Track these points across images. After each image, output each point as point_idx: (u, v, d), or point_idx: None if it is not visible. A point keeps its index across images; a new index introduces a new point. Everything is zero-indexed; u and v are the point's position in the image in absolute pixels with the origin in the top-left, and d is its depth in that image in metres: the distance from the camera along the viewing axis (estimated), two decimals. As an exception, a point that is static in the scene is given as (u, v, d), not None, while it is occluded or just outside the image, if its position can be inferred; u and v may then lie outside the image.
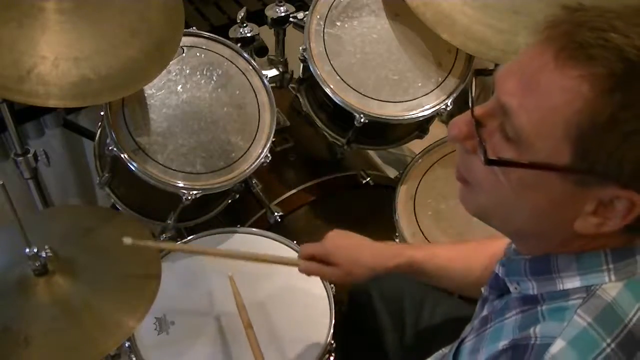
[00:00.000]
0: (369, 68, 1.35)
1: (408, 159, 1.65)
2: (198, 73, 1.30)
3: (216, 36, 1.34)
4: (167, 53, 1.13)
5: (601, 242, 0.63)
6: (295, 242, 1.29)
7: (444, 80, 1.37)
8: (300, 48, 1.34)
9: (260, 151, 1.29)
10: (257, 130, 1.31)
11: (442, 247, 1.07)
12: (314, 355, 1.12)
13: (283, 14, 1.52)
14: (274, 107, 1.33)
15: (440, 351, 0.94)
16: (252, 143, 1.30)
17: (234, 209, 1.43)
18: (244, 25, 1.47)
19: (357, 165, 1.60)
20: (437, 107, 1.35)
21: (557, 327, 0.60)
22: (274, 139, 1.31)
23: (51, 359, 0.93)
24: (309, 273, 1.06)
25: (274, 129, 1.31)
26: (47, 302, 0.97)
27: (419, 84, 1.36)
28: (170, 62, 1.21)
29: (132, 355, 1.10)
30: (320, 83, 1.32)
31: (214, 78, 1.31)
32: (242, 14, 1.46)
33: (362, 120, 1.31)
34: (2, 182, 0.84)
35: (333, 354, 1.14)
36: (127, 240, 0.98)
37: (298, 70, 1.47)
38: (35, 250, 0.94)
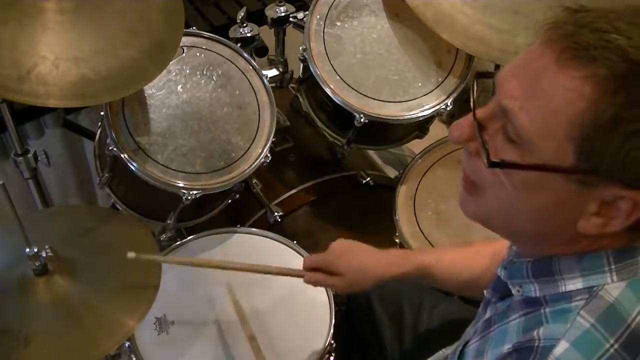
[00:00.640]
0: (369, 68, 1.35)
1: (408, 159, 1.65)
2: (198, 73, 1.30)
3: (216, 36, 1.34)
4: (167, 53, 1.13)
5: (603, 243, 0.63)
6: (295, 242, 1.29)
7: (444, 80, 1.37)
8: (300, 48, 1.34)
9: (260, 151, 1.29)
10: (257, 130, 1.31)
11: (446, 251, 1.07)
12: (314, 356, 1.12)
13: (283, 14, 1.52)
14: (274, 107, 1.33)
15: (440, 352, 0.94)
16: (252, 143, 1.30)
17: (234, 209, 1.43)
18: (244, 25, 1.47)
19: (357, 165, 1.60)
20: (437, 107, 1.35)
21: (561, 328, 0.60)
22: (274, 139, 1.31)
23: (51, 359, 0.93)
24: (314, 284, 1.06)
25: (274, 129, 1.31)
26: (47, 302, 0.97)
27: (419, 84, 1.36)
28: (170, 62, 1.21)
29: (132, 355, 1.10)
30: (320, 83, 1.32)
31: (214, 78, 1.31)
32: (242, 14, 1.46)
33: (362, 120, 1.31)
34: (2, 182, 0.84)
35: (333, 354, 1.14)
36: (131, 255, 0.97)
37: (298, 70, 1.47)
38: (35, 250, 0.94)
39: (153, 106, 1.25)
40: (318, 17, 1.36)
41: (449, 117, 2.05)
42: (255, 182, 1.48)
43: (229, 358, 1.12)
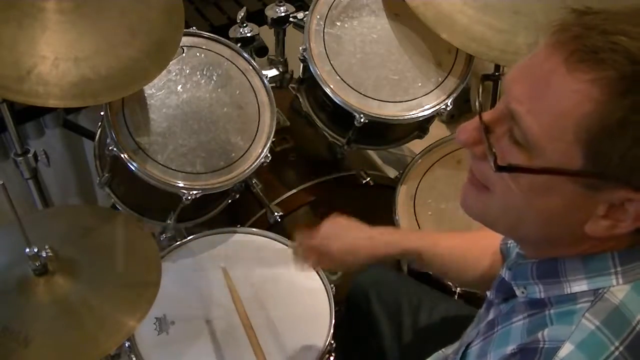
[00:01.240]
0: (369, 68, 1.35)
1: (408, 159, 1.64)
2: (198, 73, 1.30)
3: (216, 36, 1.34)
4: (167, 53, 1.13)
5: (609, 245, 0.62)
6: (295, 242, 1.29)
7: (443, 80, 1.37)
8: (300, 48, 1.34)
9: (260, 151, 1.29)
10: (257, 130, 1.31)
11: (443, 236, 1.07)
12: (314, 356, 1.12)
13: (283, 14, 1.52)
14: (274, 107, 1.33)
15: (439, 352, 0.94)
16: (252, 143, 1.30)
17: (234, 209, 1.43)
18: (244, 25, 1.47)
19: (357, 165, 1.60)
20: (437, 107, 1.35)
21: (565, 330, 0.60)
22: (274, 139, 1.31)
23: (51, 359, 0.93)
24: (304, 265, 1.06)
25: (274, 129, 1.31)
26: (47, 302, 0.97)
27: (419, 84, 1.36)
28: (170, 62, 1.21)
29: (132, 355, 1.10)
30: (320, 83, 1.32)
31: (214, 78, 1.31)
32: (242, 14, 1.46)
33: (362, 120, 1.31)
34: (2, 182, 0.84)
35: (333, 354, 1.14)
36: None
37: (298, 70, 1.47)
38: (35, 250, 0.94)
39: (153, 106, 1.25)
40: (318, 17, 1.35)
41: (449, 117, 2.06)
42: (255, 182, 1.48)
43: (228, 358, 1.12)
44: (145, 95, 1.25)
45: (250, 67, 1.34)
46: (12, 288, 0.98)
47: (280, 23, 1.54)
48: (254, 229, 1.34)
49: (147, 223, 1.38)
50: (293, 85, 1.62)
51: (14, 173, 1.36)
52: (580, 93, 0.55)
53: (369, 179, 1.54)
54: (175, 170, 1.23)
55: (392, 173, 1.75)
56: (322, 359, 1.12)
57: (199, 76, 1.30)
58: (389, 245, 1.01)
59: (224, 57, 1.33)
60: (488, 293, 0.80)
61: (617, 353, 0.58)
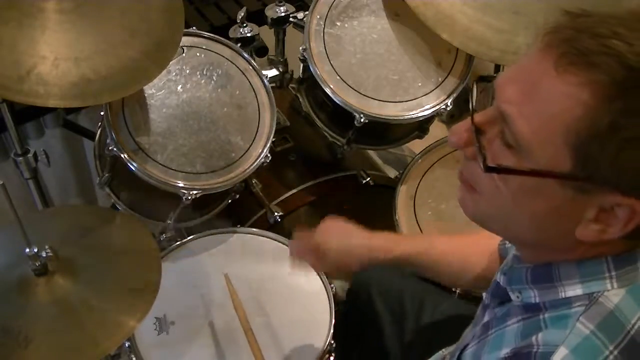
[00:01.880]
0: (369, 68, 1.35)
1: (408, 159, 1.64)
2: (198, 73, 1.30)
3: (216, 36, 1.34)
4: (167, 53, 1.13)
5: (602, 249, 0.62)
6: (295, 242, 1.29)
7: (443, 80, 1.37)
8: (300, 48, 1.34)
9: (260, 151, 1.29)
10: (257, 130, 1.31)
11: (439, 240, 1.06)
12: (314, 356, 1.12)
13: (283, 14, 1.52)
14: (274, 107, 1.33)
15: (440, 352, 0.94)
16: (252, 143, 1.30)
17: (234, 209, 1.43)
18: (244, 25, 1.47)
19: (357, 165, 1.60)
20: (437, 107, 1.35)
21: (560, 334, 0.60)
22: (274, 139, 1.31)
23: (51, 359, 0.93)
24: (300, 265, 1.06)
25: (274, 129, 1.31)
26: (47, 302, 0.96)
27: (419, 84, 1.36)
28: (170, 62, 1.21)
29: (132, 355, 1.11)
30: (320, 83, 1.32)
31: (214, 78, 1.31)
32: (242, 14, 1.46)
33: (362, 120, 1.31)
34: (2, 182, 0.84)
35: (333, 354, 1.14)
36: None
37: (298, 70, 1.47)
38: (35, 250, 0.94)
39: (153, 106, 1.25)
40: (318, 17, 1.35)
41: (449, 117, 2.05)
42: (255, 182, 1.48)
43: (228, 358, 1.12)
44: (145, 95, 1.25)
45: (250, 67, 1.34)
46: (12, 288, 0.98)
47: (280, 23, 1.54)
48: (254, 229, 1.34)
49: (147, 223, 1.38)
50: (293, 85, 1.63)
51: (14, 173, 1.36)
52: (570, 96, 0.55)
53: (369, 179, 1.54)
54: (175, 170, 1.23)
55: (392, 173, 1.75)
56: (322, 359, 1.12)
57: (199, 76, 1.30)
58: (385, 250, 1.00)
59: (224, 57, 1.33)
60: (484, 296, 0.80)
61: (611, 357, 0.58)
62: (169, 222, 1.34)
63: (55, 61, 1.00)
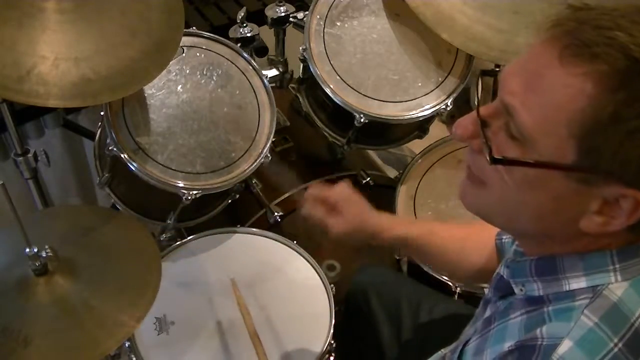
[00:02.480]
0: (369, 68, 1.35)
1: (408, 159, 1.65)
2: (198, 73, 1.30)
3: (216, 36, 1.34)
4: (167, 53, 1.13)
5: (606, 242, 0.63)
6: (295, 242, 1.29)
7: (443, 80, 1.37)
8: (300, 48, 1.34)
9: (260, 151, 1.29)
10: (257, 130, 1.31)
11: (440, 226, 1.07)
12: (314, 356, 1.12)
13: (283, 14, 1.52)
14: (274, 107, 1.33)
15: (439, 352, 0.94)
16: (252, 143, 1.30)
17: (234, 209, 1.42)
18: (244, 25, 1.47)
19: (357, 165, 1.60)
20: (437, 107, 1.35)
21: (564, 327, 0.60)
22: (274, 139, 1.31)
23: (51, 359, 0.93)
24: (312, 218, 1.05)
25: (274, 129, 1.31)
26: (47, 302, 0.96)
27: (419, 84, 1.36)
28: (170, 62, 1.21)
29: (132, 355, 1.10)
30: (320, 83, 1.32)
31: (214, 78, 1.31)
32: (242, 14, 1.46)
33: (362, 120, 1.31)
34: (2, 182, 0.84)
35: (333, 354, 1.14)
36: None
37: (298, 70, 1.47)
38: (35, 250, 0.94)
39: (153, 106, 1.25)
40: (318, 17, 1.36)
41: (449, 117, 2.05)
42: (255, 182, 1.48)
43: (228, 358, 1.12)
44: (145, 95, 1.25)
45: (250, 67, 1.34)
46: (12, 288, 0.97)
47: (280, 23, 1.54)
48: (254, 229, 1.34)
49: (147, 223, 1.38)
50: (293, 85, 1.62)
51: (14, 173, 1.36)
52: (573, 87, 0.55)
53: (369, 179, 1.54)
54: (175, 170, 1.23)
55: (392, 173, 1.75)
56: (322, 359, 1.12)
57: (199, 76, 1.30)
58: (387, 228, 1.02)
59: (224, 57, 1.33)
60: (486, 290, 0.80)
61: (616, 350, 0.58)
62: (169, 222, 1.34)
63: (55, 61, 1.00)
